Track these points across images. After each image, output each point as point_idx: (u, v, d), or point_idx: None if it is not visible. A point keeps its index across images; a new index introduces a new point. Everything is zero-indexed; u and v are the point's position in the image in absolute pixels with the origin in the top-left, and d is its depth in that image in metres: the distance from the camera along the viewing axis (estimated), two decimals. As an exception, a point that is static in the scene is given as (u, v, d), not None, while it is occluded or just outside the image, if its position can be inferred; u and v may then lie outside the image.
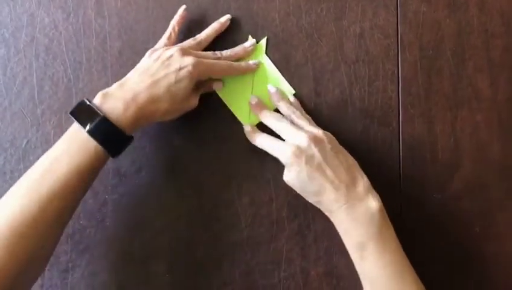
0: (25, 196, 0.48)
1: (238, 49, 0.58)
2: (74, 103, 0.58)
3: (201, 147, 0.58)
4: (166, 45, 0.56)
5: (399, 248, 0.51)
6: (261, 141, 0.55)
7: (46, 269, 0.56)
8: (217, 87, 0.58)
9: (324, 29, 0.59)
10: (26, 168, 0.58)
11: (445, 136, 0.59)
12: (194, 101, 0.56)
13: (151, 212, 0.58)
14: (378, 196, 0.52)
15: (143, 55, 0.59)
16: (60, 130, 0.59)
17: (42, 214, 0.47)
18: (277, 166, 0.58)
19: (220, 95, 0.59)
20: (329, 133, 0.54)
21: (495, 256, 0.58)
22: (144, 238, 0.57)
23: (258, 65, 0.58)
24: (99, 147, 0.49)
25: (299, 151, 0.51)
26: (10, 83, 0.59)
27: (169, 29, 0.58)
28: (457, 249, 0.58)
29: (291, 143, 0.52)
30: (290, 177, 0.52)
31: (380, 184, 0.58)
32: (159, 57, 0.53)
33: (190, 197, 0.58)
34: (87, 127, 0.49)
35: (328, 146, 0.52)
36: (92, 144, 0.49)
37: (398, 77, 0.59)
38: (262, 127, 0.57)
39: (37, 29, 0.60)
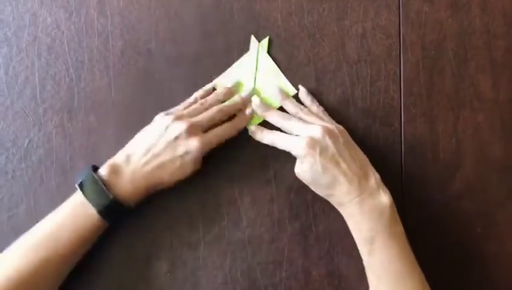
0: (24, 257, 0.50)
1: (237, 100, 0.57)
2: (76, 102, 0.59)
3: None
4: (178, 117, 0.55)
5: (407, 244, 0.52)
6: (271, 137, 0.55)
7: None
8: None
9: (326, 29, 0.59)
10: (27, 167, 0.58)
11: (447, 136, 0.59)
12: (199, 165, 0.55)
13: (153, 211, 0.58)
14: (388, 191, 0.52)
15: (145, 54, 0.59)
16: (62, 130, 0.59)
17: (37, 275, 0.49)
18: (279, 166, 0.58)
19: None
20: (342, 127, 0.54)
21: (496, 256, 0.58)
22: (145, 238, 0.57)
23: (251, 96, 0.58)
24: (99, 217, 0.52)
25: (313, 143, 0.51)
26: (12, 82, 0.59)
27: (191, 99, 0.57)
28: (459, 248, 0.58)
29: (305, 135, 0.52)
30: (302, 169, 0.52)
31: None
32: (166, 131, 0.53)
33: (191, 197, 0.58)
34: (98, 207, 0.51)
35: (341, 140, 0.52)
36: (98, 219, 0.52)
37: (400, 77, 0.59)
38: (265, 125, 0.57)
39: (39, 28, 0.60)
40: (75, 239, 0.51)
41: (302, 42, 0.59)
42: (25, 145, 0.59)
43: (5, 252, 0.51)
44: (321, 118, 0.56)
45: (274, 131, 0.56)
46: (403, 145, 0.59)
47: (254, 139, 0.58)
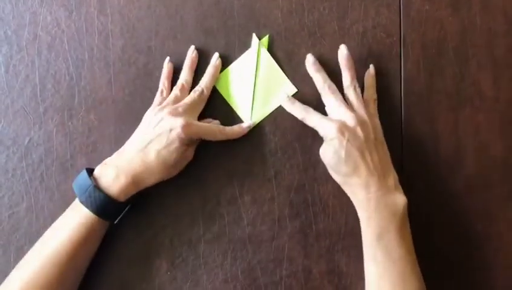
0: (27, 263, 0.51)
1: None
2: (77, 101, 0.59)
3: (203, 145, 0.58)
4: (160, 103, 0.56)
5: (412, 245, 0.52)
6: (303, 112, 0.55)
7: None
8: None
9: (327, 28, 0.59)
10: (28, 165, 0.58)
11: (448, 135, 0.59)
12: (190, 155, 0.56)
13: (153, 209, 0.58)
14: (403, 193, 0.52)
15: (145, 53, 0.59)
16: (62, 128, 0.59)
17: (37, 280, 0.50)
18: (279, 164, 0.58)
19: (223, 95, 0.59)
20: (378, 123, 0.55)
21: (496, 255, 0.58)
22: (145, 236, 0.57)
23: (250, 127, 0.58)
24: (93, 215, 0.51)
25: (344, 128, 0.52)
26: (12, 81, 0.59)
27: (160, 86, 0.58)
28: (459, 247, 0.58)
29: (338, 119, 0.52)
30: (327, 151, 0.53)
31: (382, 183, 0.58)
32: (151, 121, 0.54)
33: (192, 195, 0.58)
34: (90, 208, 0.51)
35: (372, 135, 0.53)
36: (85, 212, 0.51)
37: (401, 75, 0.59)
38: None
39: (40, 27, 0.60)
40: (70, 237, 0.51)
41: (303, 41, 0.59)
42: (26, 143, 0.59)
43: (20, 262, 0.52)
44: (366, 106, 0.55)
45: (306, 106, 0.56)
46: (403, 144, 0.59)
47: (254, 138, 0.58)
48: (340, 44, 0.58)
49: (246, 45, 0.59)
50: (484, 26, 0.59)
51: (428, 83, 0.59)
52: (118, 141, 0.58)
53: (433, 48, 0.59)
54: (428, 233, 0.58)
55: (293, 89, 0.59)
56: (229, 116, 0.59)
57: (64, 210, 0.58)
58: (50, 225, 0.57)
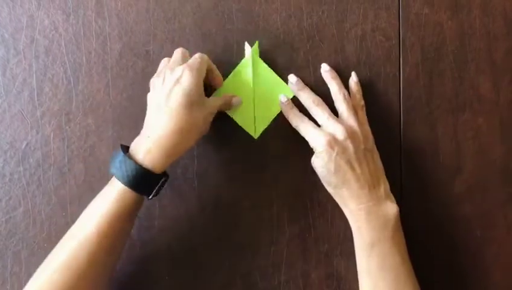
0: (65, 240, 0.50)
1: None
2: (74, 105, 0.59)
3: (201, 149, 0.58)
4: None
5: (406, 253, 0.52)
6: (297, 120, 0.55)
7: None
8: (236, 102, 0.57)
9: (325, 32, 0.59)
10: (25, 170, 0.58)
11: (447, 139, 0.58)
12: (206, 125, 0.53)
13: (152, 214, 0.58)
14: (395, 201, 0.52)
15: (143, 57, 0.59)
16: (60, 132, 0.58)
17: (75, 257, 0.48)
18: (278, 169, 0.58)
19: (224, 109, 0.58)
20: (368, 131, 0.55)
21: (496, 259, 0.58)
22: (144, 240, 0.57)
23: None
24: (126, 188, 0.49)
25: (334, 142, 0.52)
26: (10, 85, 0.59)
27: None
28: (458, 252, 0.58)
29: (328, 132, 0.52)
30: (317, 163, 0.53)
31: (381, 187, 0.58)
32: (156, 81, 0.52)
33: (190, 199, 0.58)
34: (112, 169, 0.49)
35: (363, 146, 0.53)
36: (118, 185, 0.49)
37: (400, 79, 0.59)
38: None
39: (37, 30, 0.59)
40: (104, 213, 0.48)
41: (301, 44, 0.59)
42: (23, 147, 0.59)
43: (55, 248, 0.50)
44: (355, 114, 0.55)
45: (302, 115, 0.55)
46: (402, 148, 0.58)
47: (254, 142, 0.58)
48: (339, 47, 0.58)
49: (244, 49, 0.59)
50: (483, 29, 0.59)
51: (428, 86, 0.59)
52: (116, 145, 0.58)
53: (433, 51, 0.59)
54: (427, 237, 0.58)
55: (291, 93, 0.58)
56: (228, 120, 0.58)
57: (61, 214, 0.58)
58: (47, 229, 0.58)
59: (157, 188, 0.50)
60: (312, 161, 0.54)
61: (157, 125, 0.50)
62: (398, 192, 0.58)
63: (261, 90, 0.58)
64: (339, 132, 0.52)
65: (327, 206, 0.57)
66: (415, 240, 0.57)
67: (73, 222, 0.57)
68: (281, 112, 0.58)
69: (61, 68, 0.59)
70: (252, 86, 0.58)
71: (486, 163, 0.58)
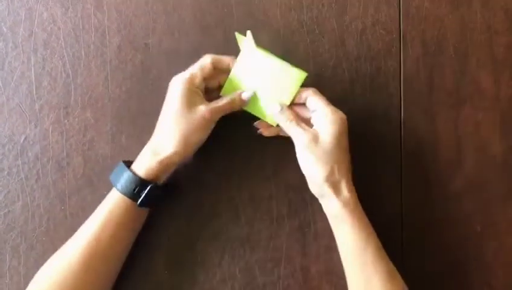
0: (62, 252, 0.52)
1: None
2: (73, 98, 0.58)
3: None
4: None
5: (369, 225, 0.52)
6: (286, 124, 0.54)
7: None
8: (246, 96, 0.55)
9: (326, 25, 0.59)
10: (24, 164, 0.58)
11: (447, 133, 0.58)
12: (207, 114, 0.53)
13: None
14: (350, 188, 0.52)
15: (142, 50, 0.59)
16: (59, 126, 0.58)
17: (70, 263, 0.50)
18: (278, 163, 0.58)
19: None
20: (342, 117, 0.53)
21: (496, 254, 0.58)
22: (143, 235, 0.57)
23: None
24: (126, 199, 0.51)
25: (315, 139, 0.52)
26: (8, 78, 0.59)
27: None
28: (458, 247, 0.58)
29: (312, 130, 0.52)
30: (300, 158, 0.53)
31: (382, 181, 0.58)
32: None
33: (190, 194, 0.58)
34: (122, 191, 0.51)
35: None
36: (117, 195, 0.51)
37: (400, 73, 0.59)
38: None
39: (36, 23, 0.59)
40: (103, 222, 0.51)
41: (301, 38, 0.59)
42: (21, 141, 0.58)
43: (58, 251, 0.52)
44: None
45: (289, 113, 0.54)
46: (402, 142, 0.58)
47: (252, 136, 0.57)
48: (340, 41, 0.57)
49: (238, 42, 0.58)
50: (484, 23, 0.59)
51: (428, 80, 0.59)
52: (115, 139, 0.58)
53: (433, 45, 0.59)
54: (427, 232, 0.58)
55: (303, 74, 0.54)
56: (227, 115, 0.57)
57: (59, 208, 0.58)
58: (45, 223, 0.57)
59: (144, 194, 0.51)
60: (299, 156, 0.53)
61: (153, 138, 0.53)
62: (398, 186, 0.58)
63: (266, 77, 0.55)
64: (342, 115, 0.53)
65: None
66: (415, 235, 0.57)
67: (71, 215, 0.57)
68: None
69: (60, 61, 0.59)
70: (255, 76, 0.55)
71: (487, 157, 0.58)
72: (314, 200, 0.58)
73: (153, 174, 0.52)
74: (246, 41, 0.55)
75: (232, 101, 0.54)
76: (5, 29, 0.59)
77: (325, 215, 0.57)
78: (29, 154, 0.58)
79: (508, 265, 0.58)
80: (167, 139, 0.51)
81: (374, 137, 0.58)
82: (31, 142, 0.58)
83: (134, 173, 0.51)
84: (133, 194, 0.51)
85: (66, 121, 0.58)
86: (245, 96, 0.55)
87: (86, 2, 0.59)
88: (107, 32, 0.59)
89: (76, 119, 0.58)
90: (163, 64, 0.58)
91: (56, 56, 0.59)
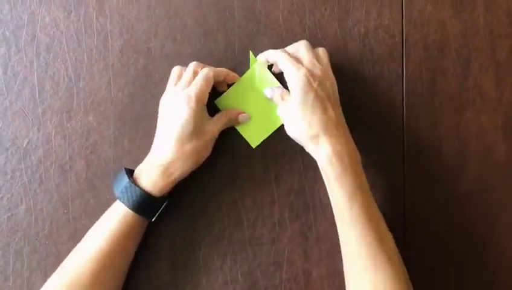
0: (67, 263, 0.52)
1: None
2: (75, 102, 0.59)
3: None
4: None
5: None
6: (275, 56, 0.54)
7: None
8: (243, 119, 0.57)
9: (328, 29, 0.59)
10: (27, 167, 0.58)
11: (450, 137, 0.58)
12: (208, 149, 0.55)
13: (153, 212, 0.58)
14: (337, 141, 0.51)
15: (144, 54, 0.59)
16: (61, 130, 0.58)
17: (79, 276, 0.50)
18: (279, 167, 0.58)
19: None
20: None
21: (498, 258, 0.58)
22: (145, 239, 0.57)
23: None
24: (130, 211, 0.52)
25: (313, 76, 0.52)
26: (11, 82, 0.59)
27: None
28: (461, 250, 0.58)
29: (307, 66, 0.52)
30: (294, 100, 0.52)
31: (384, 185, 0.58)
32: (162, 107, 0.56)
33: (192, 198, 0.58)
34: (117, 192, 0.53)
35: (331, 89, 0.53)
36: (122, 209, 0.52)
37: (403, 77, 0.59)
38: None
39: (38, 27, 0.59)
40: (106, 233, 0.51)
41: (304, 42, 0.58)
42: (24, 145, 0.58)
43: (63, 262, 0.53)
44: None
45: (282, 51, 0.54)
46: (405, 146, 0.58)
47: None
48: (342, 44, 0.57)
49: (246, 46, 0.58)
50: (487, 27, 0.59)
51: (431, 84, 0.58)
52: (117, 143, 0.58)
53: (436, 49, 0.59)
54: (430, 236, 0.58)
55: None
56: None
57: (62, 211, 0.58)
58: (49, 226, 0.58)
59: (159, 211, 0.54)
60: (288, 100, 0.53)
61: (160, 153, 0.53)
62: (401, 190, 0.58)
63: (264, 102, 0.57)
64: (317, 69, 0.52)
65: (328, 205, 0.57)
66: (418, 238, 0.57)
67: (74, 219, 0.58)
68: (281, 126, 0.56)
69: (63, 65, 0.59)
70: (255, 97, 0.57)
71: (490, 161, 0.58)
72: (316, 204, 0.58)
73: (166, 191, 0.53)
74: (257, 64, 0.57)
75: (230, 120, 0.57)
76: (7, 34, 0.59)
77: (326, 219, 0.57)
78: (32, 158, 0.58)
79: (511, 269, 0.58)
80: (182, 161, 0.53)
81: (376, 141, 0.58)
82: (34, 146, 0.58)
83: (147, 193, 0.52)
84: (145, 211, 0.53)
85: (68, 124, 0.59)
86: (242, 119, 0.57)
87: (88, 6, 0.59)
88: (109, 36, 0.59)
89: (79, 123, 0.58)
90: (165, 68, 0.58)
91: (59, 60, 0.59)
